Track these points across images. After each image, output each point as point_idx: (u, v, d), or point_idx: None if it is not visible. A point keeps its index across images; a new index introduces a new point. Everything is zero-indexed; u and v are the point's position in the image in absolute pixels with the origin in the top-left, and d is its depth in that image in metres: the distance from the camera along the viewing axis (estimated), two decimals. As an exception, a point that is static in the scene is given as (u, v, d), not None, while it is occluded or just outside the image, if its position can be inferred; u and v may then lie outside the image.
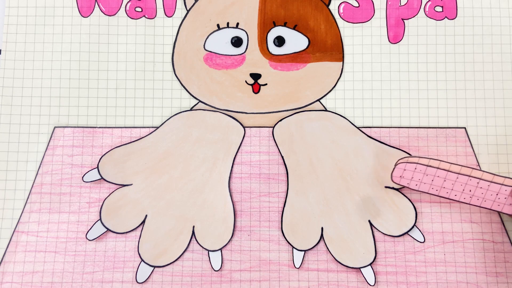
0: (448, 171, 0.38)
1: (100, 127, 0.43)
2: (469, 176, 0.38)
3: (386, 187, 0.42)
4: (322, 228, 0.41)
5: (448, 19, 0.45)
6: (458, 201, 0.39)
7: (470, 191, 0.38)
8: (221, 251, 0.41)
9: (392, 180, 0.40)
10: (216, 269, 0.41)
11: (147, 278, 0.41)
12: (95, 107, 0.44)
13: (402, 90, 0.44)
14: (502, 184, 0.38)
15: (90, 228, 0.41)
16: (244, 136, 0.43)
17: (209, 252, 0.41)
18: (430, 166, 0.38)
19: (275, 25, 0.44)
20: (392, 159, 0.42)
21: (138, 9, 0.45)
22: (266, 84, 0.44)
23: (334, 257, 0.41)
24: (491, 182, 0.38)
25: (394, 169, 0.40)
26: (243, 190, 0.42)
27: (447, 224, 0.42)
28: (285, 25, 0.44)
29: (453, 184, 0.38)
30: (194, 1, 0.45)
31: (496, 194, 0.38)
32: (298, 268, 0.41)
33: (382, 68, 0.44)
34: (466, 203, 0.39)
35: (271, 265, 0.41)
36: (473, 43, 0.45)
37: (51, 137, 0.43)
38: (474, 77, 0.44)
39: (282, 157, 0.43)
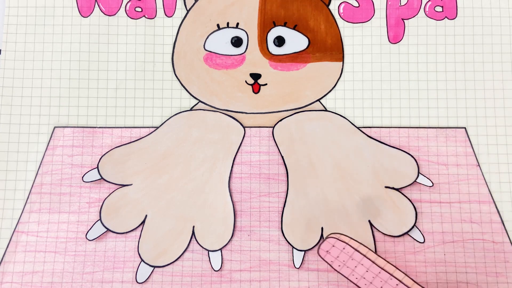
0: (373, 262, 0.37)
1: (100, 127, 0.43)
2: (391, 275, 0.37)
3: (386, 187, 0.42)
4: (322, 228, 0.41)
5: (448, 19, 0.45)
6: None
7: None
8: (221, 251, 0.41)
9: (318, 253, 0.39)
10: (216, 269, 0.41)
11: (147, 278, 0.41)
12: (95, 107, 0.44)
13: (402, 90, 0.44)
14: None
15: (90, 228, 0.41)
16: (244, 136, 0.43)
17: (209, 252, 0.41)
18: (357, 251, 0.38)
19: (275, 25, 0.44)
20: (392, 159, 0.42)
21: (138, 9, 0.45)
22: (266, 84, 0.44)
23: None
24: None
25: (323, 241, 0.39)
26: (243, 190, 0.42)
27: (447, 224, 0.42)
28: (285, 25, 0.44)
29: (373, 277, 0.37)
30: (194, 1, 0.45)
31: None
32: (298, 268, 0.41)
33: (382, 68, 0.44)
34: None
35: (271, 265, 0.41)
36: (473, 43, 0.45)
37: (51, 137, 0.43)
38: (474, 77, 0.44)
39: (282, 157, 0.43)
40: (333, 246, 0.38)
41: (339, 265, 0.38)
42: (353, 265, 0.37)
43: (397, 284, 0.37)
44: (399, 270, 0.37)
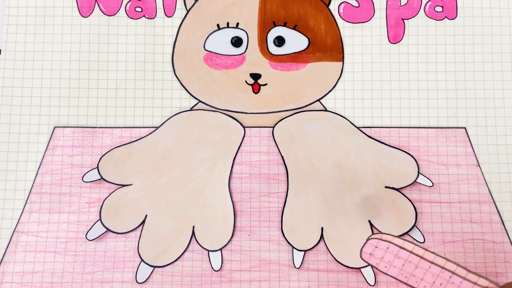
0: (421, 257, 0.35)
1: (100, 127, 0.43)
2: (443, 268, 0.35)
3: (386, 187, 0.42)
4: (322, 228, 0.41)
5: (448, 19, 0.45)
6: None
7: (441, 284, 0.35)
8: (221, 251, 0.41)
9: (361, 257, 0.36)
10: (216, 269, 0.41)
11: (147, 278, 0.41)
12: (95, 107, 0.44)
13: (402, 90, 0.44)
14: (475, 284, 0.34)
15: (90, 228, 0.41)
16: (244, 136, 0.43)
17: (209, 252, 0.41)
18: (403, 248, 0.35)
19: (275, 25, 0.44)
20: (392, 159, 0.42)
21: (138, 9, 0.45)
22: (266, 84, 0.44)
23: (334, 257, 0.41)
24: (464, 279, 0.35)
25: (365, 244, 0.36)
26: (243, 190, 0.42)
27: (447, 224, 0.42)
28: (285, 25, 0.44)
29: (424, 273, 0.35)
30: (194, 1, 0.45)
31: None
32: (298, 268, 0.41)
33: (382, 68, 0.44)
34: None
35: (271, 265, 0.41)
36: (473, 43, 0.45)
37: (51, 137, 0.43)
38: (474, 77, 0.44)
39: (282, 157, 0.43)
40: (376, 247, 0.36)
41: (385, 266, 0.36)
42: (401, 263, 0.35)
43: (450, 277, 0.35)
44: (450, 261, 0.35)
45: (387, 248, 0.36)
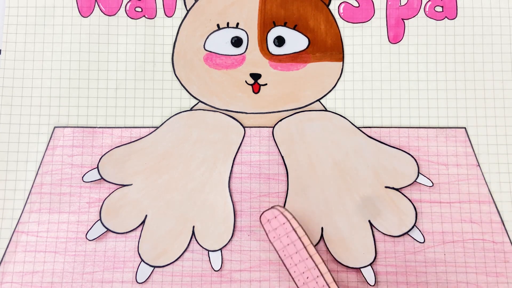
0: (304, 247, 0.38)
1: (100, 127, 0.43)
2: (316, 265, 0.37)
3: (386, 187, 0.42)
4: (322, 228, 0.41)
5: (448, 19, 0.45)
6: (292, 278, 0.38)
7: (308, 278, 0.37)
8: (221, 251, 0.41)
9: (260, 219, 0.39)
10: (216, 269, 0.41)
11: (147, 278, 0.41)
12: (95, 107, 0.44)
13: (402, 90, 0.44)
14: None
15: (90, 228, 0.41)
16: (244, 136, 0.43)
17: (209, 252, 0.41)
18: (295, 231, 0.38)
19: (275, 25, 0.44)
20: (392, 159, 0.42)
21: (138, 9, 0.45)
22: (266, 84, 0.44)
23: (334, 257, 0.41)
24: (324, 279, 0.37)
25: (268, 209, 0.39)
26: (243, 190, 0.42)
27: (447, 224, 0.42)
28: (285, 25, 0.44)
29: (300, 261, 0.38)
30: (194, 1, 0.45)
31: None
32: (298, 268, 0.41)
33: (382, 68, 0.44)
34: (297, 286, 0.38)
35: (271, 265, 0.41)
36: (473, 43, 0.45)
37: (51, 137, 0.43)
38: (474, 77, 0.44)
39: (282, 157, 0.43)
40: (275, 217, 0.38)
41: (274, 237, 0.38)
42: (286, 242, 0.38)
43: (317, 276, 0.37)
44: (325, 264, 0.37)
45: (283, 223, 0.38)
